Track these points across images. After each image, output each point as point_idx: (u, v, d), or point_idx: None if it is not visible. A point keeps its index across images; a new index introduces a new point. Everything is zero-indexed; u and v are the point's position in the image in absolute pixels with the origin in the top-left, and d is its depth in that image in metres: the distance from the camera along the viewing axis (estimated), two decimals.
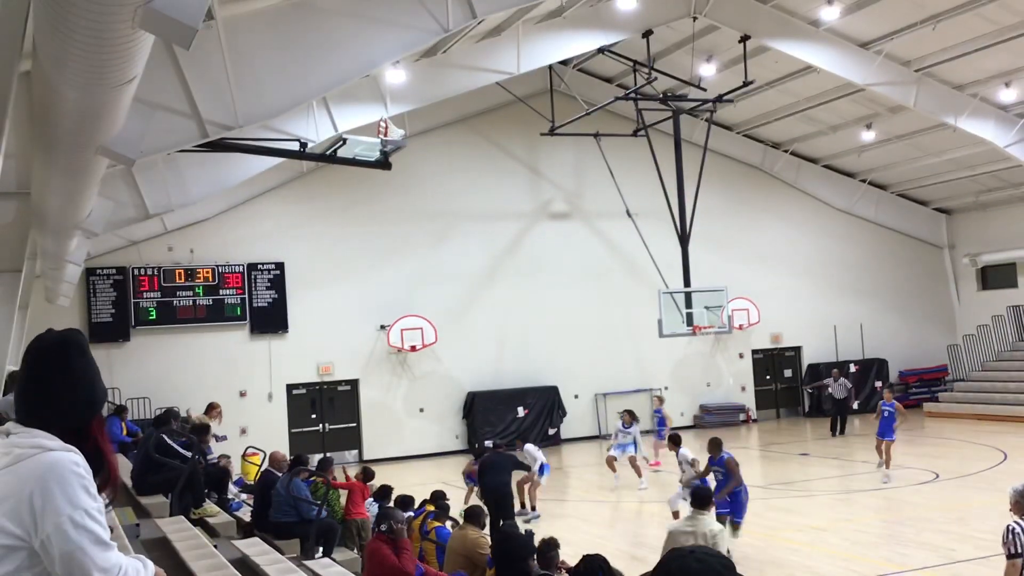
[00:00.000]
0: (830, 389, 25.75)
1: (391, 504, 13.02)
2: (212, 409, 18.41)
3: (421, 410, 26.51)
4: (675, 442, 14.51)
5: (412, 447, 26.09)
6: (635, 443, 19.16)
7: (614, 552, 11.66)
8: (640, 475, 18.71)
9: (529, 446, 17.33)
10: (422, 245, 26.68)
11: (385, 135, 16.09)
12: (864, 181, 31.28)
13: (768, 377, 30.85)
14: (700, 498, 9.38)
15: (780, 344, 30.72)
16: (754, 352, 30.42)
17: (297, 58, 12.12)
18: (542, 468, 16.83)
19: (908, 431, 22.48)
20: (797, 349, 31.07)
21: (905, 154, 28.59)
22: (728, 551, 8.86)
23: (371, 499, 13.46)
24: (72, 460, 2.61)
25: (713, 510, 9.51)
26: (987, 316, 30.65)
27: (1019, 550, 6.92)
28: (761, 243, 30.28)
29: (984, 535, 13.25)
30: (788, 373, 31.13)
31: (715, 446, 12.68)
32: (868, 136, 27.14)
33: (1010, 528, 7.08)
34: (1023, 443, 22.18)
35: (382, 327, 25.88)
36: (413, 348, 25.81)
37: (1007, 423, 25.25)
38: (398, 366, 26.35)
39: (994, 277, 31.32)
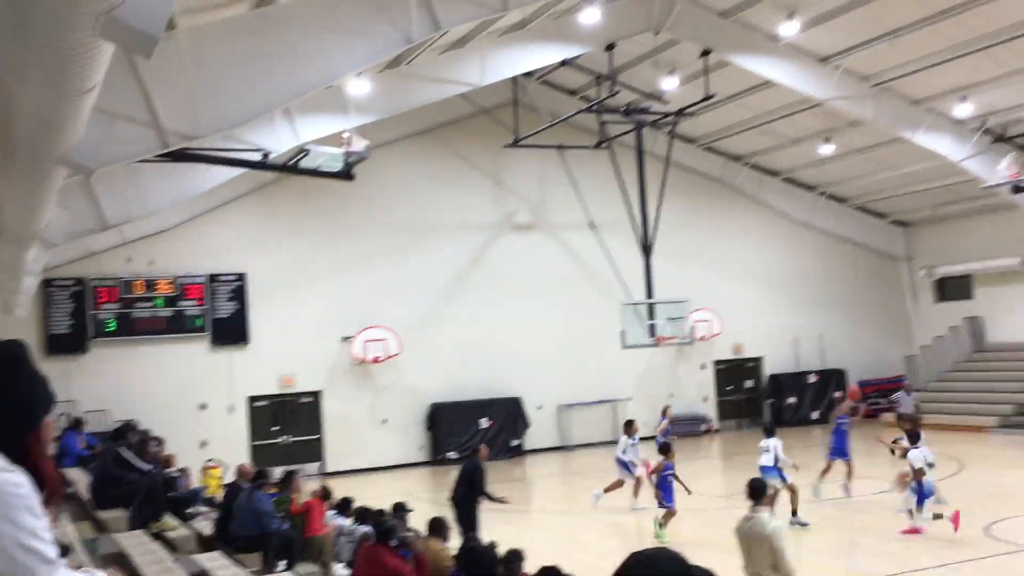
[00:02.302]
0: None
1: (352, 516, 12.94)
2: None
3: (384, 422, 26.38)
4: (913, 438, 13.50)
5: (375, 459, 25.93)
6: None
7: (578, 564, 11.66)
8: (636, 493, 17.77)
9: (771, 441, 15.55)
10: (385, 256, 26.59)
11: (348, 146, 16.05)
12: (823, 194, 31.70)
13: (730, 388, 31.09)
14: (752, 490, 8.33)
15: (741, 355, 30.99)
16: (716, 363, 30.66)
17: (260, 68, 12.07)
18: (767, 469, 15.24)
19: (868, 440, 22.69)
20: (758, 360, 31.36)
21: (864, 168, 29.01)
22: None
23: (333, 511, 13.37)
24: (12, 482, 2.56)
25: (769, 505, 8.62)
26: (943, 327, 31.13)
27: None
28: (723, 255, 30.55)
29: (942, 544, 13.42)
30: (749, 384, 31.40)
31: None
32: (827, 150, 27.51)
33: None
34: (979, 452, 22.53)
35: (345, 338, 25.74)
36: (376, 359, 25.69)
37: (963, 433, 25.60)
38: (361, 377, 26.20)
39: (951, 289, 31.83)
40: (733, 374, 31.12)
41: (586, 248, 27.87)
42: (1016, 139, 24.50)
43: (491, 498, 13.74)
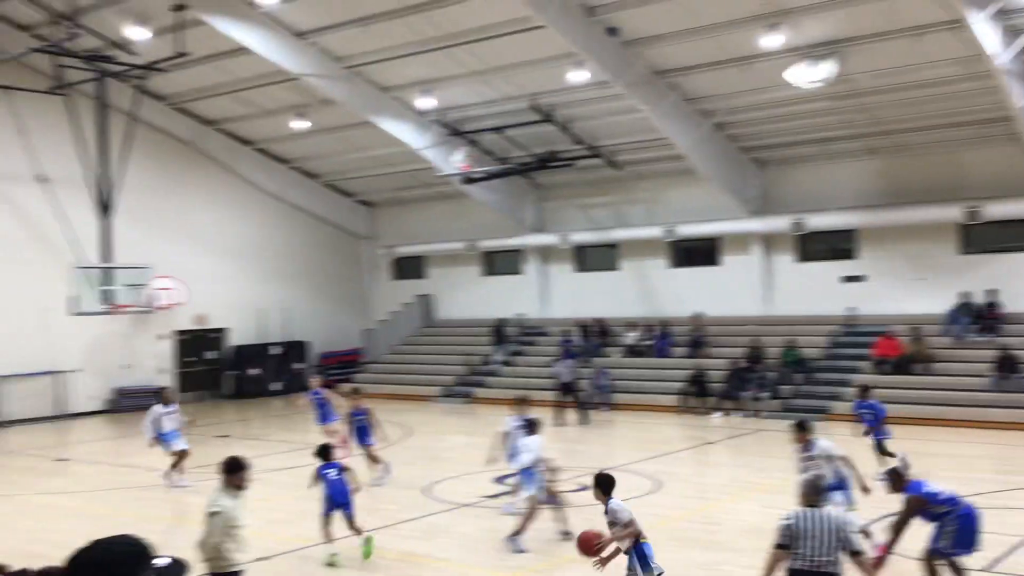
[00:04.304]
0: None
1: None
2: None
3: None
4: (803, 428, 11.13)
5: None
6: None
7: (6, 551, 10.36)
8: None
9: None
10: None
11: None
12: (295, 168, 32.05)
13: (191, 359, 30.11)
14: (224, 467, 8.37)
15: (205, 325, 30.18)
16: (177, 333, 29.49)
17: None
18: None
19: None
20: (222, 330, 30.79)
21: (334, 147, 29.82)
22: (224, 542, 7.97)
23: None
24: None
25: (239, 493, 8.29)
26: (398, 303, 33.31)
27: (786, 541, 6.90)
28: (190, 221, 29.46)
29: (389, 505, 14.25)
30: (212, 355, 30.71)
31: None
32: (300, 125, 27.76)
33: (782, 517, 7.05)
34: (425, 419, 24.44)
35: None
36: None
37: (413, 401, 27.66)
38: None
39: (406, 267, 34.16)
40: (195, 345, 30.18)
41: (32, 204, 25.07)
42: (468, 134, 26.88)
43: None
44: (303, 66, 24.03)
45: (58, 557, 3.00)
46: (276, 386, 30.62)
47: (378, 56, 24.03)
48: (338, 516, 11.47)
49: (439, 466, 17.79)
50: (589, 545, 8.22)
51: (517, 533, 11.64)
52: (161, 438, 16.45)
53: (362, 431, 16.26)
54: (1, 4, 23.59)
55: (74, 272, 22.92)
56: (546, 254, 30.48)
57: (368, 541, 11.40)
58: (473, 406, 27.01)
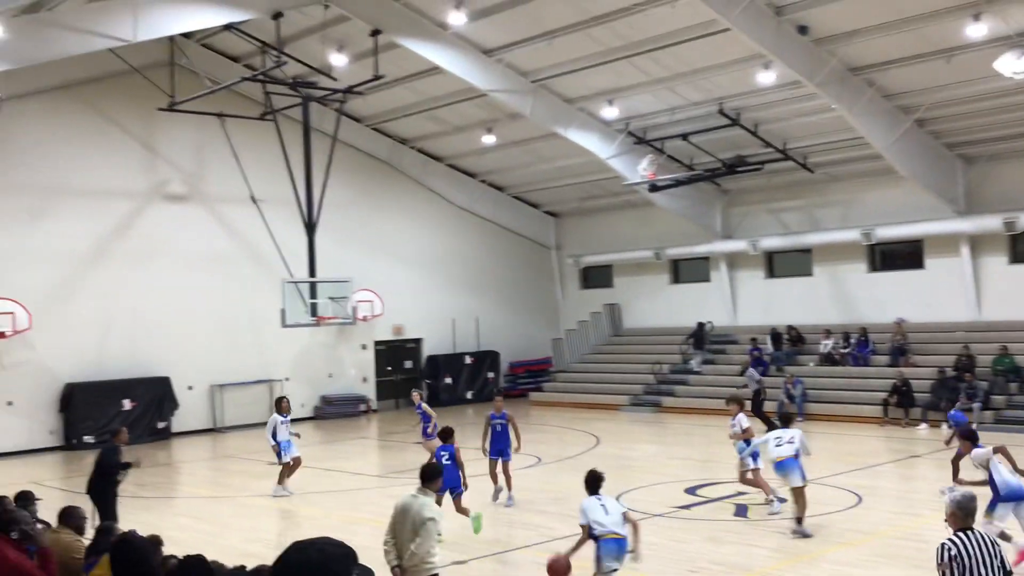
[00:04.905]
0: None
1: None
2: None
3: (10, 403, 23.78)
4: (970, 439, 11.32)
5: None
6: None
7: (225, 549, 11.16)
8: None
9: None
10: (14, 221, 23.93)
11: None
12: (484, 182, 32.85)
13: (389, 368, 31.38)
14: (424, 474, 8.66)
15: (402, 336, 31.39)
16: (376, 343, 30.81)
17: None
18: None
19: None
20: (418, 341, 31.92)
21: (521, 159, 30.38)
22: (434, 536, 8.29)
23: None
24: None
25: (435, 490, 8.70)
26: (586, 312, 33.50)
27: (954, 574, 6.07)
28: (387, 236, 30.73)
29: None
30: (409, 364, 31.88)
31: None
32: (489, 139, 28.47)
33: (946, 547, 6.12)
34: (613, 428, 24.47)
35: None
36: (2, 335, 23.10)
37: (601, 410, 27.75)
38: None
39: (594, 277, 34.31)
40: (393, 354, 31.44)
41: (246, 222, 26.85)
42: (654, 142, 26.75)
43: (123, 468, 13.11)
44: (491, 82, 24.64)
45: (272, 557, 3.25)
46: (469, 394, 31.51)
47: (563, 69, 24.32)
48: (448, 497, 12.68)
49: (629, 475, 17.75)
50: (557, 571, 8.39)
51: (799, 520, 12.34)
52: (279, 446, 16.96)
53: (498, 437, 15.32)
54: (215, 38, 25.47)
55: (284, 286, 24.37)
56: (735, 261, 29.87)
57: (477, 519, 12.56)
58: (661, 415, 26.80)
